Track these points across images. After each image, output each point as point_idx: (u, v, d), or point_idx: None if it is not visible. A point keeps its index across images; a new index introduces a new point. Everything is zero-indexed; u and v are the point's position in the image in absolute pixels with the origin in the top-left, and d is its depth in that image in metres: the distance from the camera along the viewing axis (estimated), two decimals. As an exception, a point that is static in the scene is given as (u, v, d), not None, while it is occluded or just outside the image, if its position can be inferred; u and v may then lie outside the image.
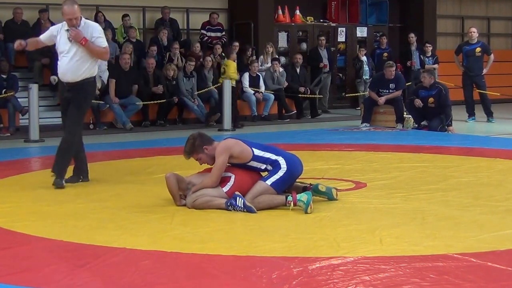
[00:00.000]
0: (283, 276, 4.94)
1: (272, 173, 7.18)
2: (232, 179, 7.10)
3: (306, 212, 6.91)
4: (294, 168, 7.28)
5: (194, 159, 7.42)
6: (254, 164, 7.23)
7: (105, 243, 5.89)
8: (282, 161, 7.20)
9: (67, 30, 8.39)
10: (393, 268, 5.11)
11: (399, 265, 5.17)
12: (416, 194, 7.84)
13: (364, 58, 19.77)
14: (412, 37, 19.65)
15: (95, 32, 8.46)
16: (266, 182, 7.14)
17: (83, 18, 8.49)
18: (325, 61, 19.29)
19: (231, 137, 7.91)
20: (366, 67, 19.70)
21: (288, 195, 7.06)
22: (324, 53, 19.40)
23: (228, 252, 5.58)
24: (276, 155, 7.27)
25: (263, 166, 7.24)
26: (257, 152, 7.25)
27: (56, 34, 8.52)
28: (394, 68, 15.46)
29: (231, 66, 16.56)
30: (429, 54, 19.47)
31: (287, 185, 7.27)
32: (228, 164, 7.24)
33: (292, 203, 7.00)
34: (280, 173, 7.16)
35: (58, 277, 5.05)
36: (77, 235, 6.18)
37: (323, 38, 19.55)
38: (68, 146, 8.42)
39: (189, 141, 7.36)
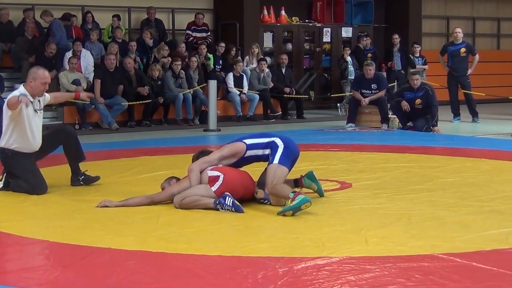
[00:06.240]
0: (268, 276, 4.95)
1: (272, 153, 7.23)
2: (221, 179, 7.11)
3: (293, 214, 6.76)
4: (291, 144, 7.35)
5: None
6: (252, 153, 7.34)
7: (91, 243, 5.87)
8: (277, 140, 7.29)
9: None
10: (378, 268, 5.12)
11: (384, 265, 5.18)
12: (401, 195, 7.85)
13: (349, 59, 19.74)
14: (396, 38, 19.58)
15: None
16: (274, 162, 7.16)
17: None
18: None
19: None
20: (351, 68, 19.66)
21: (295, 192, 6.92)
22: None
23: (214, 252, 5.58)
24: (270, 137, 7.38)
25: (260, 152, 7.32)
26: (250, 140, 7.39)
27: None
28: (372, 67, 15.37)
29: None
30: (418, 54, 19.39)
31: (292, 160, 7.31)
32: (219, 165, 7.31)
33: (290, 200, 6.87)
34: (280, 150, 7.22)
35: (43, 277, 5.04)
36: (62, 235, 6.17)
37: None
38: None
39: (193, 158, 7.60)
